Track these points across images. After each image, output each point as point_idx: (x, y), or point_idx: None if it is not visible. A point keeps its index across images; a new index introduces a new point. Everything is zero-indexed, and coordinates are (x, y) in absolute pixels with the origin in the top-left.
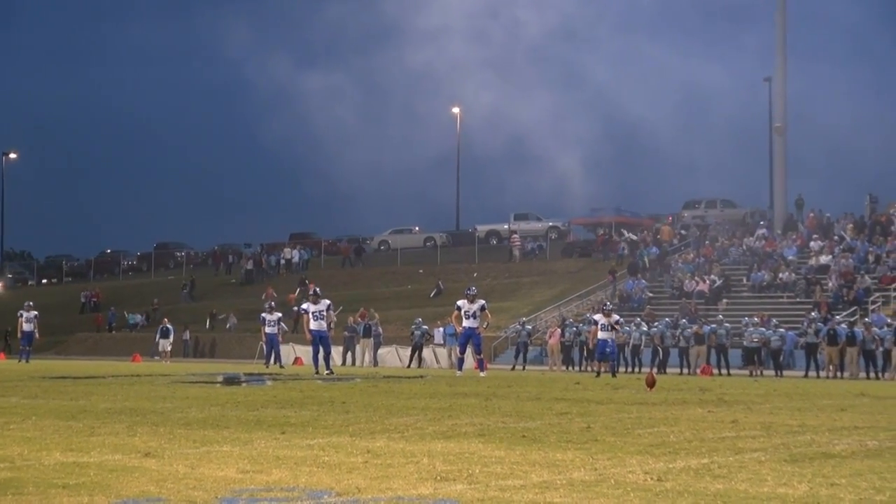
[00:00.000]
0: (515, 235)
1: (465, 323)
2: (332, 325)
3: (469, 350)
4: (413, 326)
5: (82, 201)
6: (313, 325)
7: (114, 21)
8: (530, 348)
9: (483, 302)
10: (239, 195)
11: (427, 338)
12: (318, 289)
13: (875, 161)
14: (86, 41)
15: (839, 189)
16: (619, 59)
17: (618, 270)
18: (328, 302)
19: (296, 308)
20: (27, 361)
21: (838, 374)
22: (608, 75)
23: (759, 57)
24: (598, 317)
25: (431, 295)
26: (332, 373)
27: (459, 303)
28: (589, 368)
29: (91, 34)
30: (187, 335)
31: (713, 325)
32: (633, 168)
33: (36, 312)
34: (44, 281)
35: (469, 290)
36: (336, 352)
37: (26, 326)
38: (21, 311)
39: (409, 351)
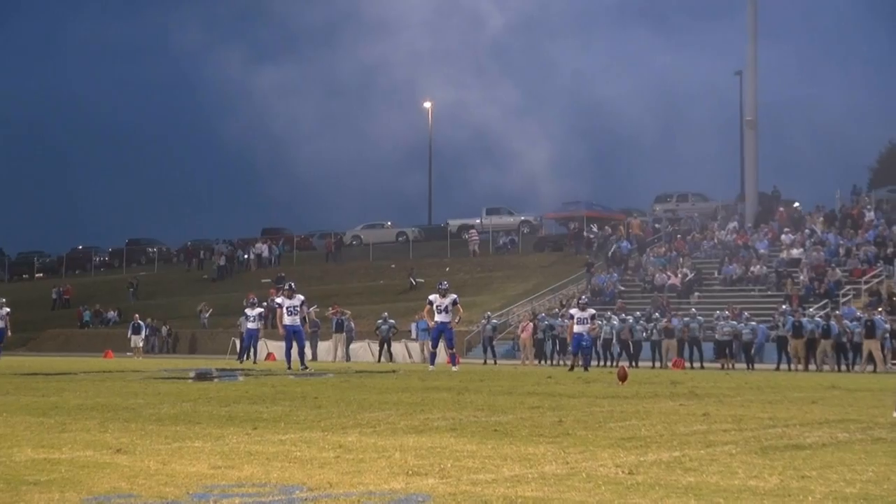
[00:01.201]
0: (473, 230)
1: (438, 317)
2: (307, 320)
3: (441, 345)
4: (380, 321)
5: (53, 197)
6: (287, 319)
7: (78, 15)
8: (504, 342)
9: (455, 296)
10: (211, 191)
11: (394, 332)
12: (292, 283)
13: (864, 153)
14: (53, 37)
15: (828, 181)
16: (593, 51)
17: (594, 263)
18: (302, 297)
19: (265, 303)
20: None
21: (805, 366)
22: (581, 68)
23: (737, 49)
24: (574, 311)
25: (408, 288)
26: (306, 368)
27: (431, 297)
28: (561, 362)
29: (57, 29)
30: (165, 331)
31: (686, 319)
32: (607, 162)
33: (8, 309)
34: (14, 277)
35: (441, 284)
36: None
37: None
38: None
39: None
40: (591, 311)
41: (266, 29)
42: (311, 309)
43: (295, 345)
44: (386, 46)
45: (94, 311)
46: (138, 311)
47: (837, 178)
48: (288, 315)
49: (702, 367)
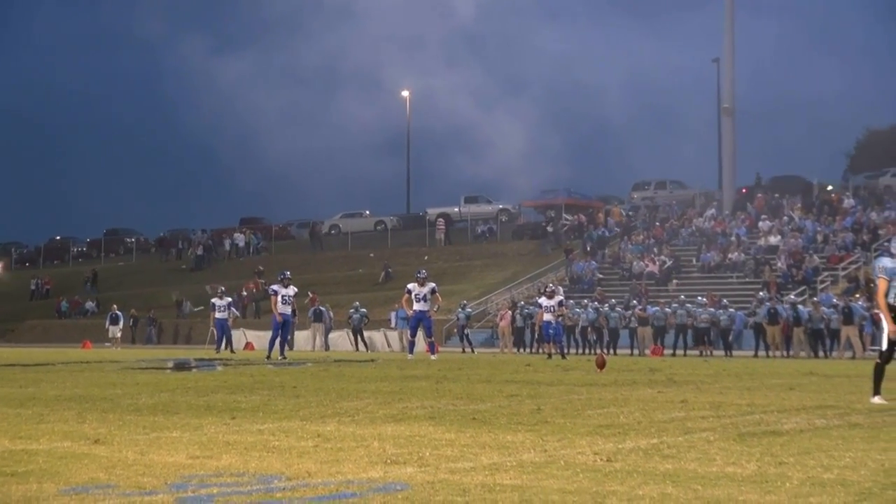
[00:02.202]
0: (440, 220)
1: (416, 306)
2: (296, 312)
3: (420, 333)
4: (351, 310)
5: (31, 188)
6: (280, 307)
7: (46, 6)
8: (483, 330)
9: (433, 285)
10: (189, 182)
11: (366, 321)
12: (288, 273)
13: (843, 139)
14: (20, 27)
15: (808, 167)
16: (569, 38)
17: (574, 249)
18: (296, 289)
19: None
20: None
21: (786, 353)
22: (558, 56)
23: (717, 37)
24: (542, 300)
25: (380, 280)
26: (284, 358)
27: (410, 286)
28: (540, 350)
29: (25, 19)
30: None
31: (675, 305)
32: (585, 150)
33: None
34: None
35: (419, 273)
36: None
37: None
38: None
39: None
40: (559, 297)
41: (234, 17)
42: None
43: (280, 334)
44: (356, 33)
45: (72, 302)
46: (115, 301)
47: (817, 165)
48: (282, 303)
49: (685, 354)
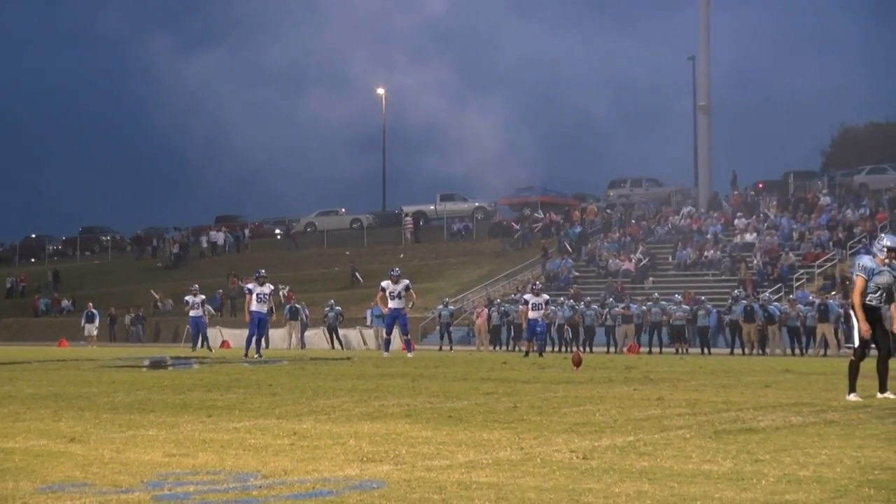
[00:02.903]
0: (408, 218)
1: (391, 304)
2: (272, 310)
3: (396, 331)
4: (326, 308)
5: (5, 186)
6: (255, 306)
7: (12, 3)
8: (459, 328)
9: (407, 282)
10: (166, 180)
11: (340, 319)
12: (263, 271)
13: (822, 134)
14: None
15: (785, 164)
16: (547, 36)
17: (549, 248)
18: (272, 287)
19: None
20: None
21: (762, 351)
22: (535, 53)
23: (694, 34)
24: (528, 296)
25: (356, 279)
26: (261, 356)
27: (384, 284)
28: (517, 348)
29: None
30: (128, 320)
31: (650, 303)
32: (562, 149)
33: None
34: None
35: (393, 270)
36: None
37: None
38: None
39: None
40: (546, 296)
41: (203, 14)
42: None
43: (256, 332)
44: (325, 30)
45: (52, 300)
46: (91, 300)
47: (792, 162)
48: (257, 302)
49: (660, 352)
